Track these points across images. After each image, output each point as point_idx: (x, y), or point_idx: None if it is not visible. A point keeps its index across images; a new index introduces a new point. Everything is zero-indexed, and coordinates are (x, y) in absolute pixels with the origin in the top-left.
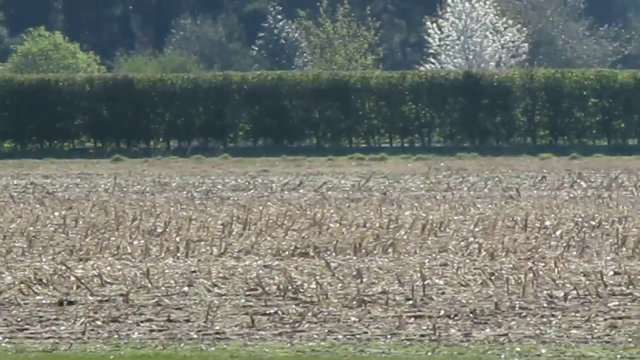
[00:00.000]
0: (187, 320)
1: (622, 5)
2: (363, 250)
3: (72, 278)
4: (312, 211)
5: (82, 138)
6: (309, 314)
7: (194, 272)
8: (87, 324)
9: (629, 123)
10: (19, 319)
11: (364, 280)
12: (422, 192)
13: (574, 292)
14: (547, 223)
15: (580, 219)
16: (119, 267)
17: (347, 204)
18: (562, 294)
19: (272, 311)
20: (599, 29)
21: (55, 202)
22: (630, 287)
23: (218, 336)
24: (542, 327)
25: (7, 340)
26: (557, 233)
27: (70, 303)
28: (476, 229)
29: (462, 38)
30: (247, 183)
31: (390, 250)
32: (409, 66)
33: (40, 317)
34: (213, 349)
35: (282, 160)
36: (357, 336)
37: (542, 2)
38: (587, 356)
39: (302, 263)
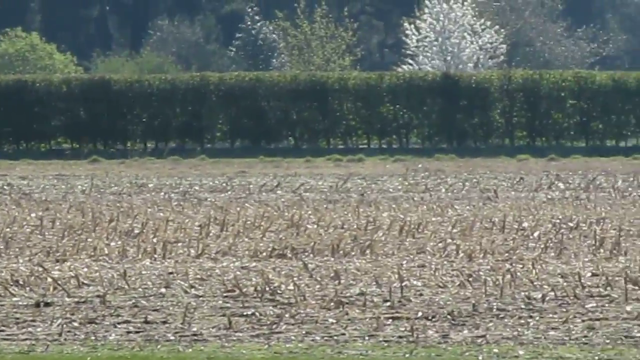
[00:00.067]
0: (165, 322)
1: (600, 6)
2: (341, 252)
3: (49, 279)
4: (290, 212)
5: (59, 139)
6: (287, 315)
7: (171, 273)
8: (64, 326)
9: (607, 124)
10: None
11: (342, 281)
12: (400, 194)
13: (552, 293)
14: (525, 224)
15: (558, 221)
16: (96, 268)
17: (324, 205)
18: (539, 296)
19: (249, 313)
20: (577, 30)
21: (32, 203)
22: (608, 288)
23: (195, 338)
24: (519, 329)
25: None
26: (535, 234)
27: (47, 304)
28: (454, 231)
29: (439, 39)
30: (224, 184)
31: (368, 251)
32: (387, 67)
33: (17, 318)
34: (190, 350)
35: (260, 161)
36: (335, 338)
37: (520, 3)
38: (564, 357)
39: (280, 264)
